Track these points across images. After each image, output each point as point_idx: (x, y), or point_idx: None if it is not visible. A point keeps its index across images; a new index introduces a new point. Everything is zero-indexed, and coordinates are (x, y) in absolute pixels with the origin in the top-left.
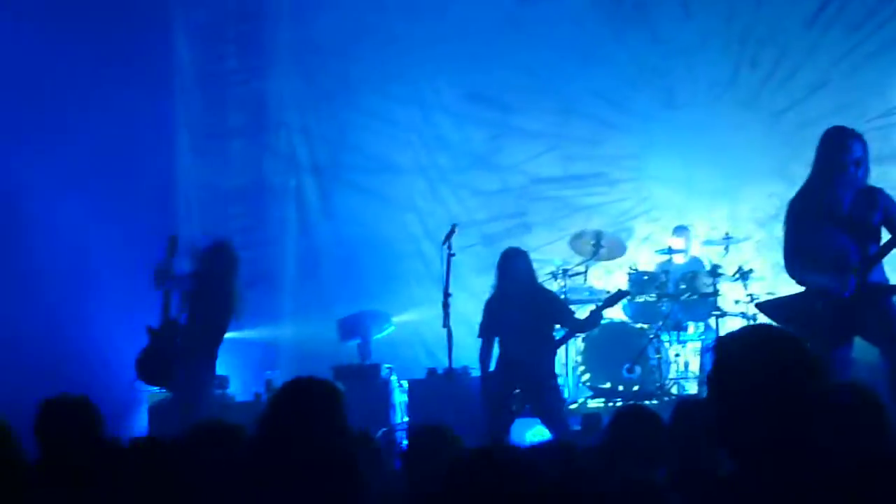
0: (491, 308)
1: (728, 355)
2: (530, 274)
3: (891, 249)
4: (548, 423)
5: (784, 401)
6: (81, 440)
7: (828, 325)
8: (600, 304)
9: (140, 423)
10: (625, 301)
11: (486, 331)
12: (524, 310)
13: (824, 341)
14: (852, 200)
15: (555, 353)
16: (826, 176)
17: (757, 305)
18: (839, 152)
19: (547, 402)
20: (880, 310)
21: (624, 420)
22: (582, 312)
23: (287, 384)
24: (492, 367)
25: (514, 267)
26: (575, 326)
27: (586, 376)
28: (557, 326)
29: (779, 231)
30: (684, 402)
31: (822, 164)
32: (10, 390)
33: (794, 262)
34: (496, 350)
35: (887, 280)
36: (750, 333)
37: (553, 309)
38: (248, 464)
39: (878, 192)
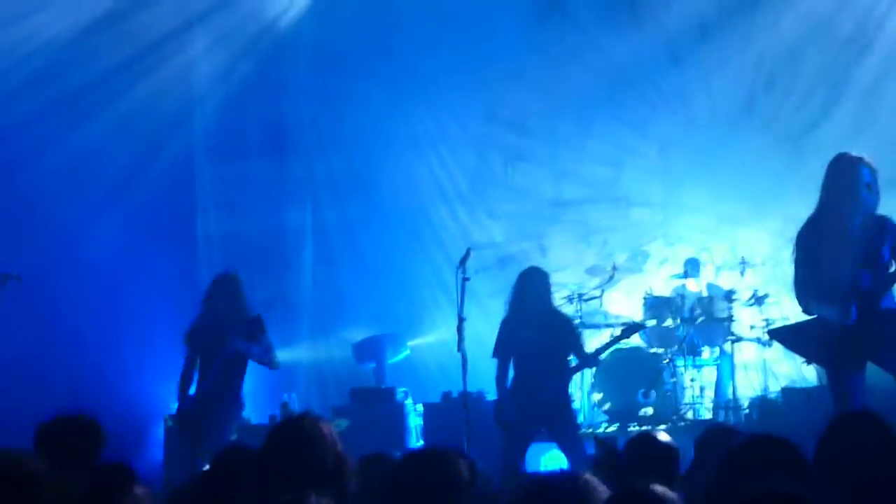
0: (507, 328)
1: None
2: (548, 295)
3: (894, 280)
4: (563, 446)
5: None
6: (77, 463)
7: (840, 352)
8: (616, 335)
9: (156, 445)
10: None
11: (502, 351)
12: (541, 331)
13: (837, 368)
14: (861, 228)
15: (570, 377)
16: (834, 204)
17: (769, 332)
18: (847, 179)
19: (562, 426)
20: (891, 336)
21: (637, 447)
22: (597, 337)
23: (278, 425)
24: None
25: (532, 287)
26: (584, 359)
27: (601, 400)
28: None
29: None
30: (712, 429)
31: (830, 191)
32: (29, 409)
33: (802, 291)
34: (511, 371)
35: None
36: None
37: (568, 334)
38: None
39: (887, 221)
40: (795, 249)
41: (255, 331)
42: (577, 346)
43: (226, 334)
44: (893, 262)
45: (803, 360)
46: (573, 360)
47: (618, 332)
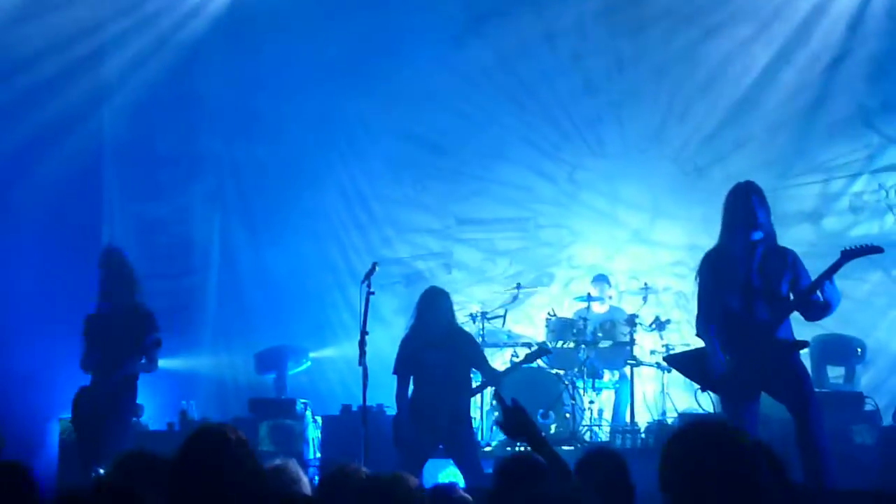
0: (407, 346)
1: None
2: (450, 315)
3: (791, 311)
4: (460, 465)
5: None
6: None
7: (733, 382)
8: (520, 360)
9: (50, 454)
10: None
11: (401, 369)
12: (442, 350)
13: (731, 397)
14: (762, 258)
15: (470, 397)
16: (732, 235)
17: (665, 358)
18: (740, 209)
19: (460, 444)
20: (784, 367)
21: (510, 468)
22: (499, 355)
23: (193, 433)
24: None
25: (435, 306)
26: (490, 377)
27: (499, 418)
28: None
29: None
30: (592, 451)
31: (726, 222)
32: None
33: (699, 320)
34: (411, 388)
35: (792, 337)
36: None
37: (471, 353)
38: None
39: (790, 254)
40: (697, 277)
41: (154, 354)
42: (481, 364)
43: (116, 338)
44: (791, 295)
45: (698, 387)
46: (476, 377)
47: (522, 355)
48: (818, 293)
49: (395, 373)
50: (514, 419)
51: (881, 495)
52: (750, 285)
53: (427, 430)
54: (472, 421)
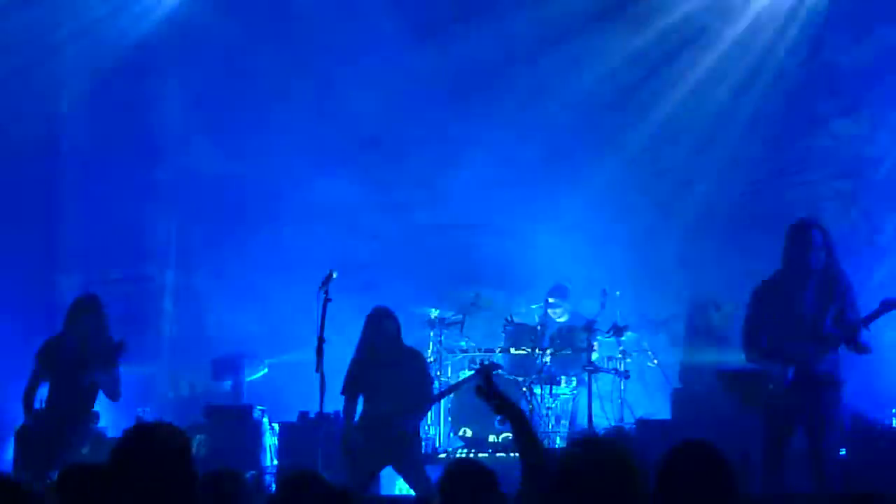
0: (356, 368)
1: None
2: (397, 335)
3: (835, 345)
4: (409, 481)
5: None
6: None
7: (777, 412)
8: (468, 376)
9: (5, 455)
10: (498, 353)
11: (351, 388)
12: (391, 368)
13: (773, 427)
14: (814, 293)
15: (419, 416)
16: (787, 268)
17: (718, 372)
18: (801, 248)
19: (408, 461)
20: (818, 399)
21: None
22: (456, 361)
23: (129, 431)
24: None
25: (383, 326)
26: (433, 398)
27: (457, 426)
28: None
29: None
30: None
31: (785, 255)
32: None
33: (749, 347)
34: (360, 406)
35: (836, 373)
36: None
37: (417, 373)
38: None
39: (838, 282)
40: (750, 305)
41: (116, 357)
42: (425, 386)
43: (86, 360)
44: (838, 327)
45: (744, 403)
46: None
47: (469, 372)
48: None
49: (343, 393)
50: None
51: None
52: (797, 319)
53: (376, 446)
54: (421, 437)
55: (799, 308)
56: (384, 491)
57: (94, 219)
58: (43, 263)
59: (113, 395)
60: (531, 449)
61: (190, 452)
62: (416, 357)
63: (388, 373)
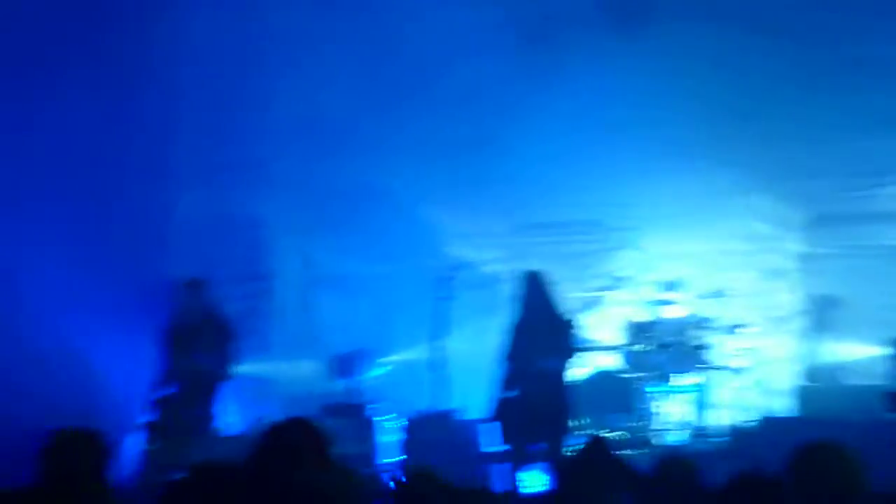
0: (509, 336)
1: None
2: (550, 300)
3: None
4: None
5: None
6: (84, 475)
7: None
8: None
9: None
10: (614, 350)
11: (505, 360)
12: (541, 339)
13: None
14: None
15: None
16: None
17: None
18: None
19: (561, 445)
20: None
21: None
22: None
23: (273, 426)
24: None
25: (533, 292)
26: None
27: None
28: None
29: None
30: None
31: None
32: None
33: None
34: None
35: None
36: None
37: (565, 338)
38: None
39: None
40: None
41: (231, 336)
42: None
43: (193, 344)
44: None
45: None
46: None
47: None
48: None
49: (497, 364)
50: None
51: None
52: None
53: (527, 428)
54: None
55: None
56: None
57: (209, 216)
58: (155, 259)
59: (223, 378)
60: None
61: (327, 450)
62: (567, 324)
63: (538, 342)
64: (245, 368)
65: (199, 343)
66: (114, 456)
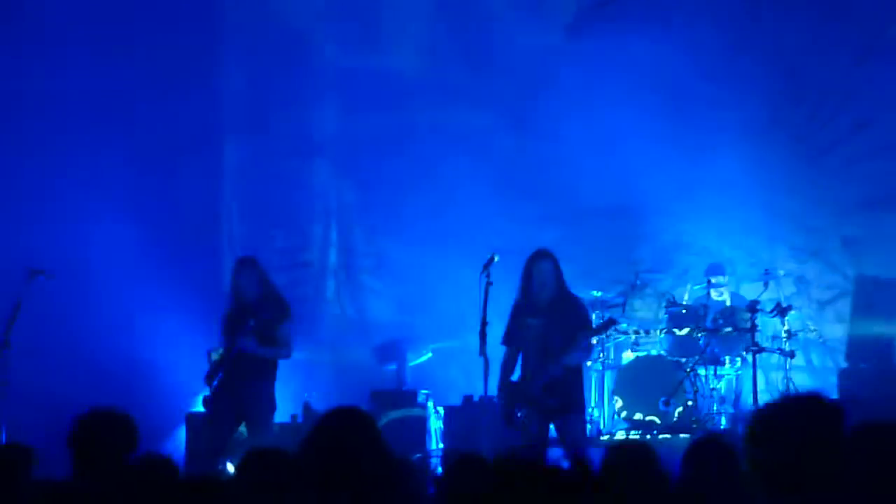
0: (515, 314)
1: None
2: (557, 278)
3: None
4: (568, 449)
5: None
6: (113, 458)
7: None
8: (588, 331)
9: (178, 438)
10: (661, 334)
11: (510, 339)
12: (548, 318)
13: None
14: None
15: (580, 372)
16: None
17: None
18: None
19: (570, 426)
20: None
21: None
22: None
23: (328, 412)
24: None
25: (539, 269)
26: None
27: (621, 408)
28: None
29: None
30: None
31: None
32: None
33: None
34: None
35: None
36: None
37: (576, 318)
38: (292, 488)
39: None
40: None
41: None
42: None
43: (242, 326)
44: None
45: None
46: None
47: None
48: None
49: (503, 343)
50: None
51: None
52: None
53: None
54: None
55: None
56: None
57: (257, 205)
58: (209, 249)
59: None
60: None
61: (381, 438)
62: (576, 303)
63: (545, 322)
64: (293, 355)
65: (254, 321)
66: (141, 439)
